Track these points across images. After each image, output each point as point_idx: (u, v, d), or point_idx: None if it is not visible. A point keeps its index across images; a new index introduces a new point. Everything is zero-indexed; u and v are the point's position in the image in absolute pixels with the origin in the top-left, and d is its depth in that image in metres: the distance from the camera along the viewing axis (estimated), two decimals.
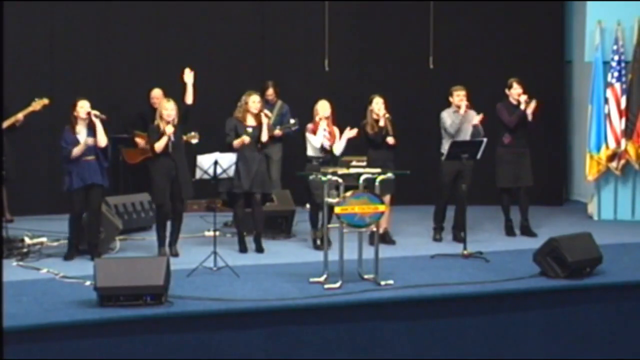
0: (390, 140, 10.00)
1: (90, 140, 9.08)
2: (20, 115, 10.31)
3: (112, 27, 12.17)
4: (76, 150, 9.07)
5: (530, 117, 10.35)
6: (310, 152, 9.97)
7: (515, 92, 10.43)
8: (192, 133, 9.91)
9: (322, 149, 9.90)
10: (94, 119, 9.07)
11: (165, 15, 12.39)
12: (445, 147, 10.25)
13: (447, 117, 10.28)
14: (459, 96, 10.24)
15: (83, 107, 9.12)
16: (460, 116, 10.20)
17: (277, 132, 10.89)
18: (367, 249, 8.63)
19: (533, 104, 10.32)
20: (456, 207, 10.33)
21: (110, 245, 9.63)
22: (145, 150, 10.40)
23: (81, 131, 9.14)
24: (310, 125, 10.02)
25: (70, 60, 11.98)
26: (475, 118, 10.17)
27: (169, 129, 9.18)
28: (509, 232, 10.65)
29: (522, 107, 10.32)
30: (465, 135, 10.19)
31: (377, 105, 10.02)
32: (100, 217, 9.33)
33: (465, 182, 9.84)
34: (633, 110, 11.60)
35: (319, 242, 9.83)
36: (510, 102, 10.48)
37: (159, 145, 9.22)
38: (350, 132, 9.89)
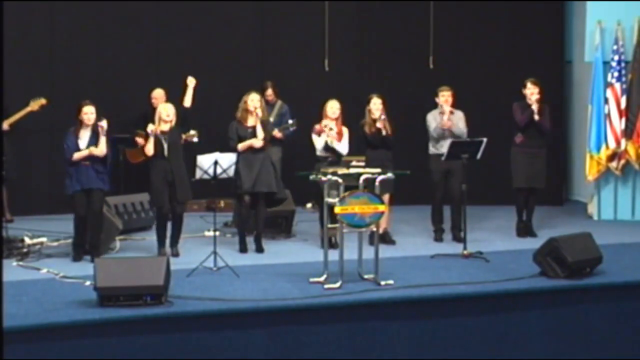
0: (382, 127, 9.93)
1: (94, 151, 9.06)
2: (18, 116, 10.31)
3: (112, 27, 12.16)
4: (77, 156, 9.06)
5: (536, 117, 10.32)
6: (319, 152, 9.94)
7: (529, 92, 10.40)
8: (192, 132, 9.91)
9: (326, 149, 9.87)
10: (99, 130, 9.07)
11: (165, 16, 12.39)
12: (432, 148, 10.31)
13: (432, 120, 10.29)
14: (443, 96, 10.25)
15: (87, 113, 9.11)
16: (446, 123, 10.19)
17: (277, 134, 10.89)
18: (367, 249, 8.63)
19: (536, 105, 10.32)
20: (451, 207, 10.34)
21: (110, 245, 9.63)
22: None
23: (84, 136, 9.12)
24: (317, 126, 9.96)
25: (70, 60, 11.98)
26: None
27: (150, 127, 9.19)
28: (520, 232, 10.59)
29: (534, 107, 10.30)
30: (450, 137, 10.17)
31: (375, 106, 10.02)
32: (101, 219, 9.33)
33: (458, 180, 9.87)
34: (633, 110, 11.60)
35: (333, 240, 9.43)
36: (527, 102, 10.45)
37: (148, 148, 9.24)
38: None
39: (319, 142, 9.88)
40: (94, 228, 9.22)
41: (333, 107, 9.94)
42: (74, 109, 9.21)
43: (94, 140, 9.11)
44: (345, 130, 9.98)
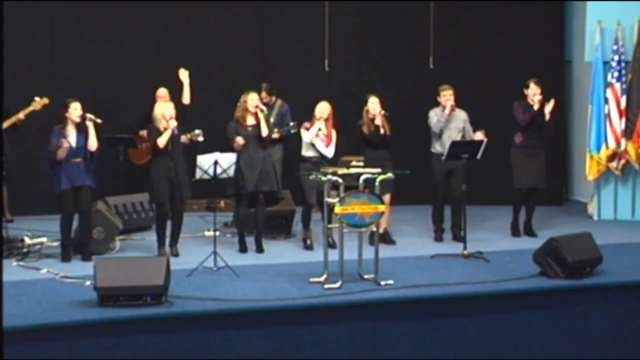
0: (381, 124, 9.94)
1: (68, 145, 9.01)
2: (21, 115, 10.32)
3: (112, 27, 12.17)
4: (60, 153, 9.02)
5: (547, 117, 10.31)
6: (304, 152, 9.94)
7: (531, 93, 10.40)
8: (196, 132, 9.89)
9: (313, 146, 9.86)
10: (88, 122, 9.05)
11: (165, 15, 12.39)
12: (435, 146, 10.31)
13: (434, 116, 10.30)
14: (445, 96, 10.25)
15: (76, 109, 9.08)
16: (446, 115, 10.21)
17: (276, 135, 10.87)
18: (367, 249, 8.63)
19: (551, 104, 10.31)
20: (452, 206, 10.34)
21: (110, 245, 9.63)
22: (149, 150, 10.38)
23: (71, 133, 9.10)
24: (306, 124, 9.98)
25: (70, 60, 11.98)
26: (478, 134, 10.19)
27: (173, 123, 9.18)
28: (515, 232, 10.61)
29: (536, 107, 10.30)
30: (451, 134, 10.19)
31: (372, 105, 10.02)
32: (90, 218, 9.31)
33: (459, 180, 9.87)
34: (633, 110, 11.60)
35: (309, 242, 9.86)
36: (528, 101, 10.45)
37: (162, 140, 9.20)
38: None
39: (307, 135, 9.85)
40: (84, 227, 9.22)
41: (322, 108, 9.92)
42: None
43: (81, 137, 9.08)
44: (334, 134, 9.96)
